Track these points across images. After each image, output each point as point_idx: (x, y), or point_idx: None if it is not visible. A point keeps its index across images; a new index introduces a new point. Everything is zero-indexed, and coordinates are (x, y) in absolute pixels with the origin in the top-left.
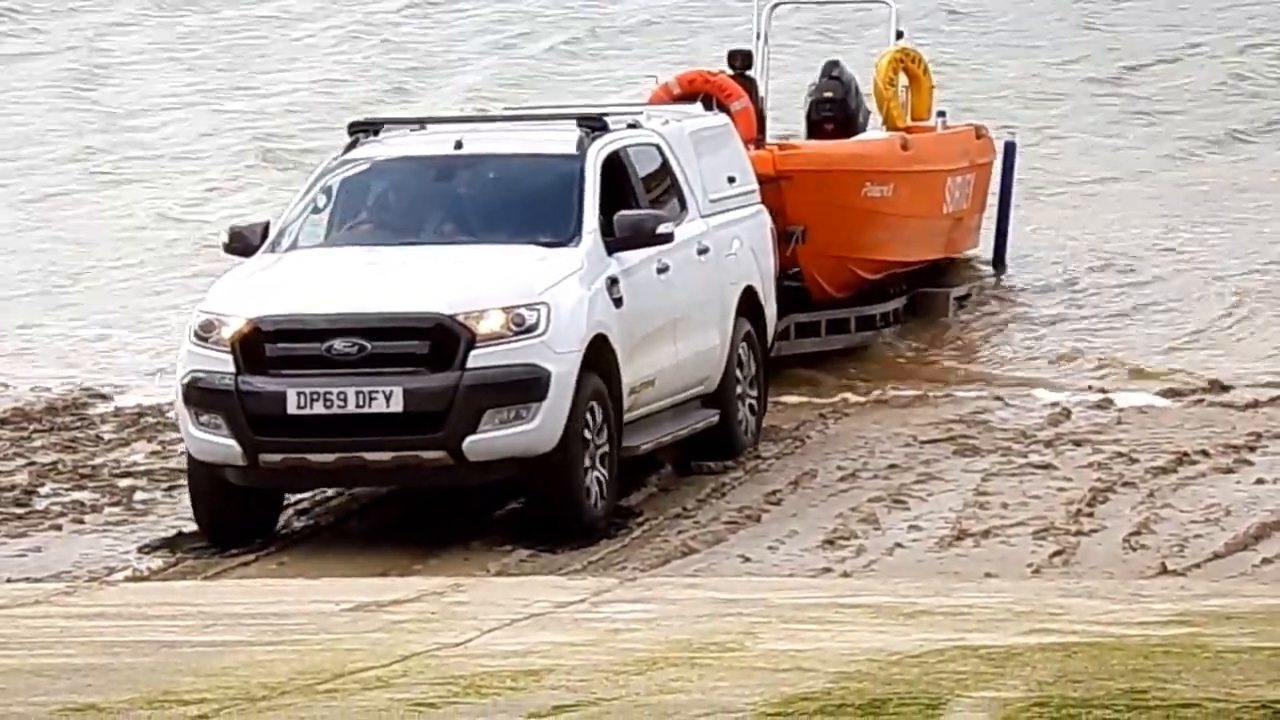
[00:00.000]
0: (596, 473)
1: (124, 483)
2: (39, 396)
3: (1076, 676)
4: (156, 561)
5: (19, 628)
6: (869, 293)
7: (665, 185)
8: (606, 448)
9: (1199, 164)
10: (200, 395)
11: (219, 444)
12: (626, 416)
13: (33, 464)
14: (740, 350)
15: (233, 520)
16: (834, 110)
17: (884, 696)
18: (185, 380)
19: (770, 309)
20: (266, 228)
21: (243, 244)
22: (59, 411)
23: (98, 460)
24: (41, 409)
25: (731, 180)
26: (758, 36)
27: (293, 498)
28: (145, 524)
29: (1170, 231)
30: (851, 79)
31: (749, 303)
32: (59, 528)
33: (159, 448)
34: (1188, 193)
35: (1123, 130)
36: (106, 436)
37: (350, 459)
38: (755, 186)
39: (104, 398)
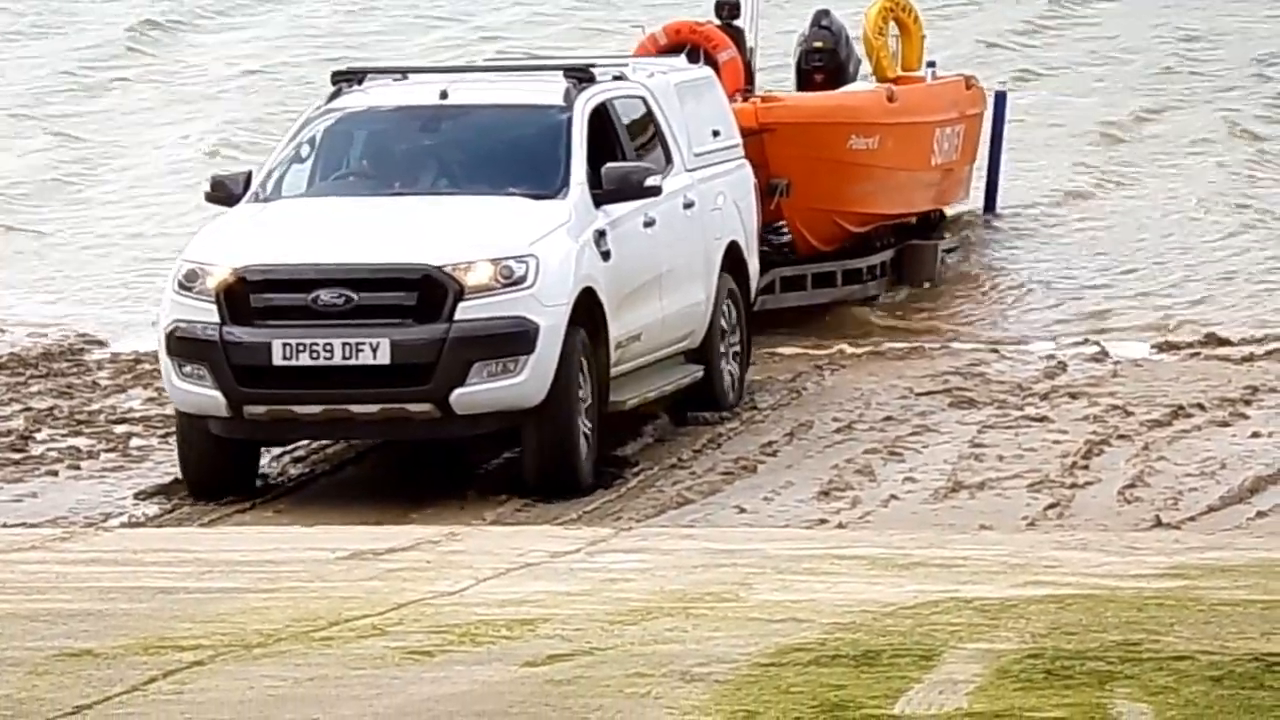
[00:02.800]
0: (583, 428)
1: (120, 429)
2: (35, 342)
3: (1070, 628)
4: (152, 508)
5: (15, 573)
6: (856, 246)
7: (651, 138)
8: (591, 402)
9: (1191, 111)
10: (183, 345)
11: (202, 395)
12: (613, 371)
13: (29, 409)
14: (724, 306)
15: (212, 472)
16: (824, 60)
17: (878, 648)
18: (168, 330)
19: (753, 264)
20: (249, 177)
21: (224, 193)
22: (55, 357)
23: (94, 406)
24: (38, 354)
25: (716, 134)
26: None
27: (287, 446)
28: (141, 470)
29: (1163, 177)
30: (842, 28)
31: (732, 258)
32: (55, 473)
33: (155, 394)
34: (1183, 138)
35: (1113, 75)
36: (103, 382)
37: (336, 411)
38: (738, 140)
39: (100, 344)
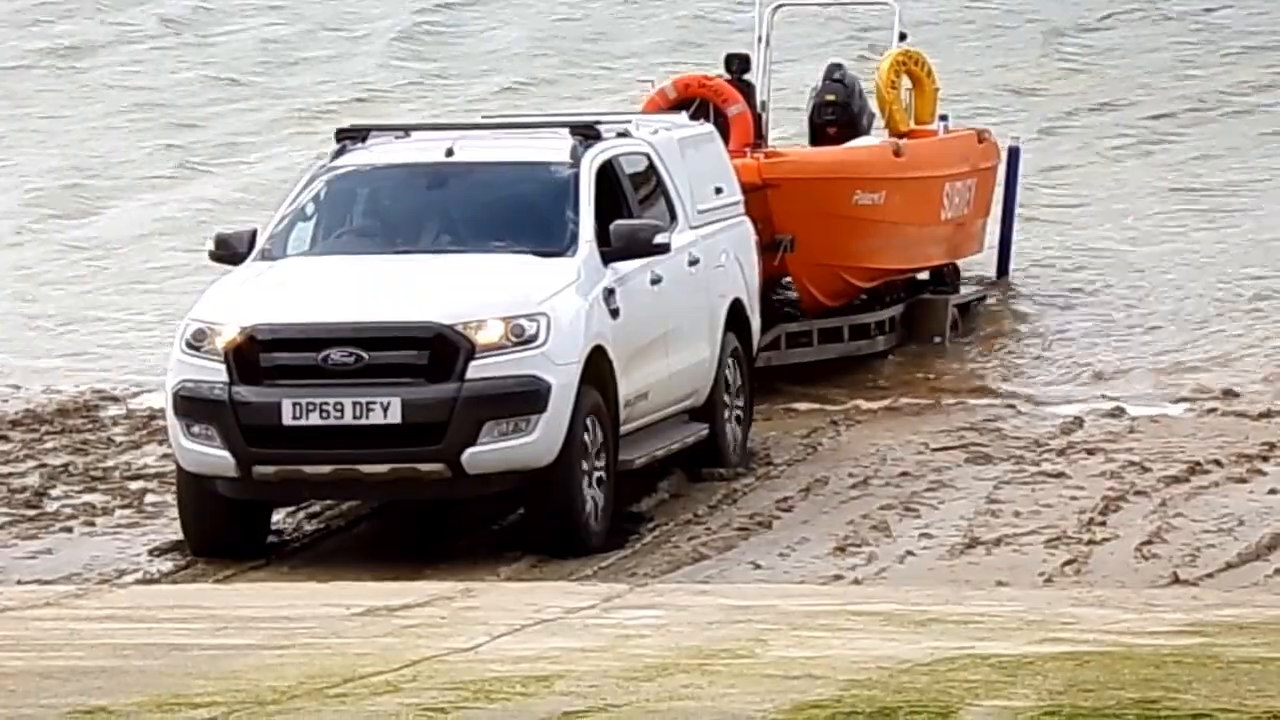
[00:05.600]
0: (593, 488)
1: (135, 485)
2: (50, 398)
3: (1088, 685)
4: (167, 564)
5: (29, 629)
6: (868, 301)
7: (655, 195)
8: (603, 461)
9: (1199, 164)
10: (192, 405)
11: (211, 455)
12: (621, 430)
13: (44, 466)
14: (728, 364)
15: (220, 533)
16: (836, 113)
17: (894, 704)
18: (175, 390)
19: (755, 322)
20: (254, 235)
21: (229, 251)
22: (70, 413)
23: (109, 462)
24: (53, 411)
25: (718, 190)
26: (759, 39)
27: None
28: (156, 527)
29: (1175, 234)
30: (854, 81)
31: (736, 316)
32: (70, 530)
33: (170, 450)
34: (1188, 195)
35: (1123, 133)
36: (118, 439)
37: (346, 471)
38: (740, 196)
39: (115, 400)
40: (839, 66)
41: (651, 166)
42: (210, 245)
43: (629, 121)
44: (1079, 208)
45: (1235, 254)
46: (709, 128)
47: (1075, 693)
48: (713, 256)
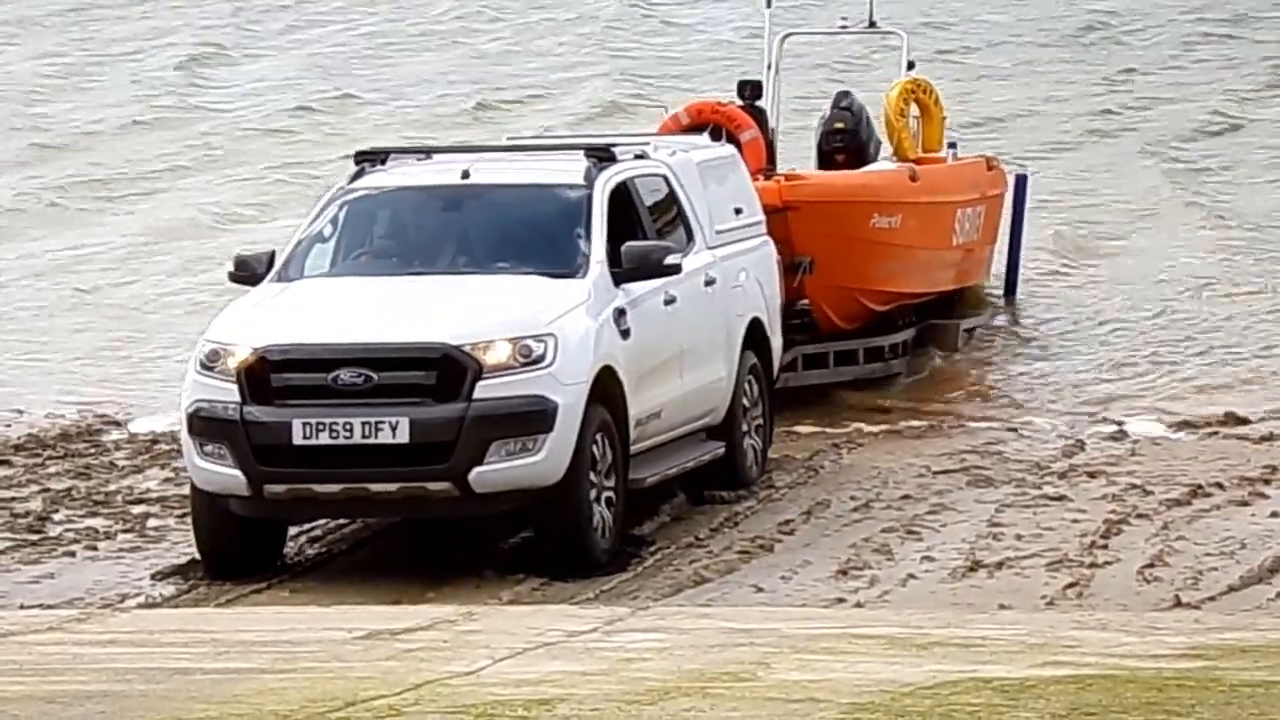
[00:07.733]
0: (601, 506)
1: (137, 509)
2: (53, 423)
3: (1090, 709)
4: (169, 588)
5: (32, 654)
6: (878, 324)
7: (672, 216)
8: (613, 480)
9: (1208, 188)
10: (205, 425)
11: (223, 474)
12: (633, 449)
13: (47, 490)
14: (746, 383)
15: (233, 551)
16: (845, 141)
17: None
18: (190, 410)
19: (776, 341)
20: (272, 256)
21: (248, 272)
22: (73, 438)
23: (111, 487)
24: (55, 435)
25: (738, 211)
26: (768, 67)
27: (305, 525)
28: (158, 551)
29: (1185, 257)
30: (862, 109)
31: (755, 335)
32: (72, 554)
33: (172, 474)
34: (1197, 218)
35: (1132, 159)
36: (120, 463)
37: (355, 490)
38: (761, 218)
39: (117, 424)
40: (847, 94)
41: (668, 188)
42: (229, 266)
43: (647, 143)
44: (1088, 232)
45: (1249, 278)
46: (730, 149)
47: (1077, 716)
48: (731, 276)
